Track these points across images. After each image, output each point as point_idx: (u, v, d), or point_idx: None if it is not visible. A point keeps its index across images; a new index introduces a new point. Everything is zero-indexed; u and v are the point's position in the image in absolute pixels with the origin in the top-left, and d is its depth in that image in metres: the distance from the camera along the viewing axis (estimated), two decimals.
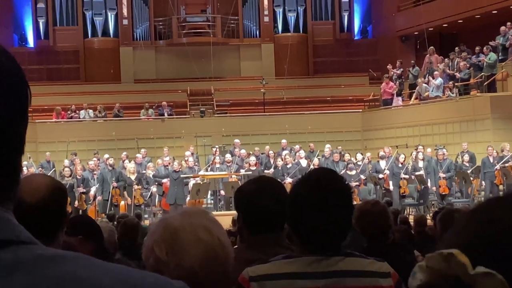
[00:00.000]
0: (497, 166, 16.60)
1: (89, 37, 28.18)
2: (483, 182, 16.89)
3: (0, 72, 0.81)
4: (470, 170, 17.04)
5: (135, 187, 16.85)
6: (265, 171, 18.08)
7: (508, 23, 20.45)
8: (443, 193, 16.69)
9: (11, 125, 0.82)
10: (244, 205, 2.59)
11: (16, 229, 0.80)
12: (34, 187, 2.21)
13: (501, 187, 17.05)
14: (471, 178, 16.82)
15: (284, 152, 18.76)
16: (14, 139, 0.82)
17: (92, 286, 0.75)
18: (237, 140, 20.08)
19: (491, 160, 16.81)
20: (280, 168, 17.78)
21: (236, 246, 2.66)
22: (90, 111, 23.22)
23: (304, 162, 18.20)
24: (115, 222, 9.11)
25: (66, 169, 16.84)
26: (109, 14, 27.98)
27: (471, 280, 0.75)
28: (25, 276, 0.74)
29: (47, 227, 2.22)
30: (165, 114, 23.21)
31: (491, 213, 0.83)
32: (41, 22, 28.00)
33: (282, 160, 18.00)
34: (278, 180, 2.89)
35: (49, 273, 0.75)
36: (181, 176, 16.88)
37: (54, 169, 18.61)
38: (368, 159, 18.53)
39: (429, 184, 17.05)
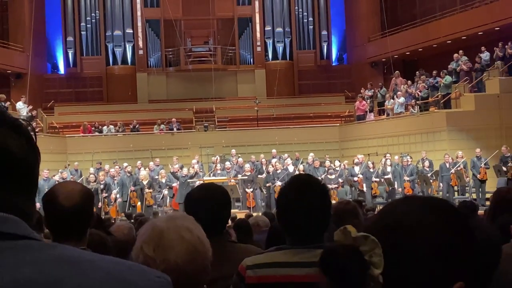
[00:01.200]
0: (452, 170, 16.64)
1: (111, 65, 28.16)
2: (441, 184, 16.91)
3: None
4: (430, 174, 17.07)
5: (146, 190, 16.82)
6: (258, 175, 18.08)
7: (460, 51, 20.56)
8: (407, 193, 16.70)
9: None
10: (192, 210, 2.43)
11: (28, 229, 0.91)
12: (69, 193, 2.21)
13: (456, 187, 17.14)
14: (431, 181, 16.86)
15: (274, 160, 18.75)
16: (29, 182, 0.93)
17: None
18: (233, 151, 20.11)
19: (447, 165, 16.86)
20: (271, 173, 17.77)
21: None
22: (111, 126, 23.18)
23: (291, 168, 18.19)
24: (133, 220, 9.10)
25: (91, 175, 16.81)
26: (127, 45, 27.98)
27: (355, 242, 0.92)
28: (33, 254, 0.85)
29: (79, 227, 2.22)
30: (175, 129, 23.19)
31: (390, 208, 1.00)
32: (70, 52, 27.98)
33: (273, 166, 18.00)
34: (223, 187, 2.75)
35: (50, 253, 0.86)
36: (188, 180, 16.87)
37: (82, 177, 18.51)
38: (345, 165, 18.53)
39: (396, 186, 17.07)
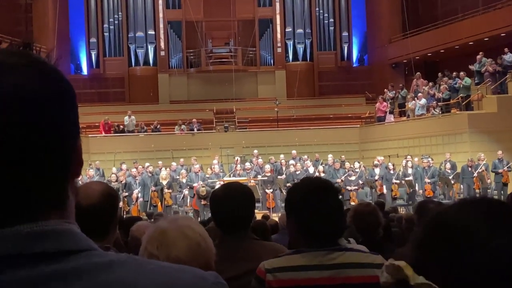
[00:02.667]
0: (475, 174, 16.47)
1: (133, 66, 28.36)
2: (461, 186, 16.75)
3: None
4: (452, 176, 16.91)
5: (166, 191, 16.89)
6: (278, 176, 18.03)
7: (481, 53, 20.34)
8: (428, 196, 16.56)
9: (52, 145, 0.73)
10: (214, 209, 2.57)
11: (75, 238, 0.75)
12: (88, 193, 2.22)
13: (478, 190, 16.97)
14: (452, 183, 16.70)
15: (291, 161, 18.66)
16: (55, 159, 0.73)
17: None
18: (255, 151, 20.06)
19: (469, 169, 16.69)
20: (291, 174, 17.73)
21: None
22: (133, 117, 23.25)
23: (311, 169, 18.15)
24: (153, 220, 9.16)
25: (113, 175, 16.93)
26: (149, 47, 28.16)
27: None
28: (82, 283, 0.70)
29: (98, 226, 2.23)
30: (195, 129, 23.27)
31: (446, 217, 0.89)
32: (93, 53, 28.24)
33: (294, 167, 17.96)
34: (247, 186, 2.81)
35: (102, 280, 0.71)
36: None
37: (104, 177, 18.64)
38: (364, 167, 18.43)
39: (416, 188, 16.93)
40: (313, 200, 2.16)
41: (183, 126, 23.37)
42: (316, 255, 2.15)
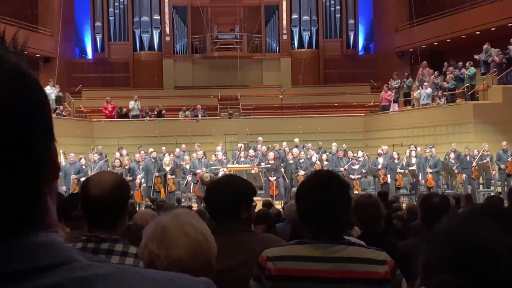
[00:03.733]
0: (474, 163, 16.46)
1: (138, 51, 28.30)
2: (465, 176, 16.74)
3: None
4: (455, 166, 16.90)
5: (169, 176, 16.93)
6: (282, 164, 18.03)
7: (487, 43, 20.22)
8: (430, 186, 16.56)
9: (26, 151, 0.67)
10: (208, 200, 2.61)
11: (57, 251, 0.69)
12: (99, 182, 2.23)
13: (481, 180, 16.96)
14: (456, 173, 16.69)
15: (295, 150, 18.62)
16: (32, 166, 0.68)
17: None
18: (260, 138, 20.03)
19: (468, 158, 16.67)
20: (292, 162, 17.73)
21: None
22: (138, 102, 23.23)
23: (314, 158, 18.15)
24: (156, 206, 9.20)
25: (116, 160, 16.96)
26: (154, 32, 28.08)
27: None
28: None
29: (109, 216, 2.24)
30: (199, 116, 23.27)
31: (463, 232, 0.86)
32: (98, 38, 28.18)
33: (292, 155, 17.96)
34: (240, 177, 2.89)
35: None
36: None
37: (106, 159, 18.66)
38: (368, 156, 18.40)
39: (420, 178, 16.93)
40: (320, 192, 2.17)
41: (187, 112, 23.36)
42: (319, 247, 2.16)
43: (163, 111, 23.66)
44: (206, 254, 1.55)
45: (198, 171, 16.93)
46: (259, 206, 10.06)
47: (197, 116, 23.18)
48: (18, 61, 0.69)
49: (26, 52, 0.72)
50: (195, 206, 14.77)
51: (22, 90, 0.67)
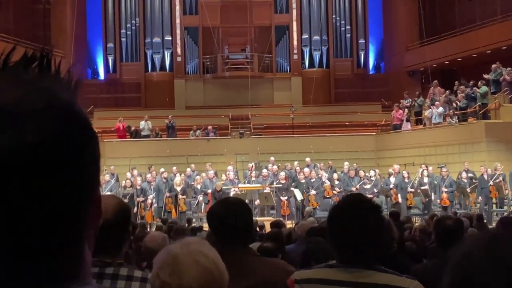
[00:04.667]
0: (491, 182, 16.32)
1: (149, 71, 28.50)
2: (479, 197, 16.59)
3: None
4: (468, 186, 16.76)
5: (180, 197, 16.91)
6: (293, 184, 17.97)
7: (498, 62, 20.19)
8: (444, 205, 16.44)
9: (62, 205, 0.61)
10: (214, 223, 2.55)
11: None
12: (103, 207, 2.22)
13: (494, 200, 16.81)
14: (469, 192, 16.57)
15: (306, 169, 18.54)
16: (67, 219, 0.62)
17: None
18: (271, 158, 20.03)
19: (485, 177, 16.54)
20: (303, 182, 17.67)
21: None
22: (149, 122, 23.33)
23: (324, 177, 18.07)
24: (167, 226, 9.20)
25: (128, 180, 16.99)
26: (165, 52, 28.30)
27: None
28: None
29: (113, 242, 2.24)
30: (210, 135, 23.32)
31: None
32: (110, 58, 28.44)
33: (303, 174, 17.91)
34: (243, 200, 2.83)
35: None
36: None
37: (118, 181, 18.68)
38: (380, 175, 18.32)
39: (432, 197, 16.81)
40: (351, 216, 2.14)
41: (198, 132, 23.41)
42: (348, 271, 2.13)
43: (175, 124, 23.57)
44: (218, 283, 1.54)
45: (209, 191, 16.91)
46: (267, 226, 9.99)
47: (208, 136, 23.22)
48: (72, 100, 0.61)
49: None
50: (206, 226, 14.71)
51: (73, 139, 0.61)
